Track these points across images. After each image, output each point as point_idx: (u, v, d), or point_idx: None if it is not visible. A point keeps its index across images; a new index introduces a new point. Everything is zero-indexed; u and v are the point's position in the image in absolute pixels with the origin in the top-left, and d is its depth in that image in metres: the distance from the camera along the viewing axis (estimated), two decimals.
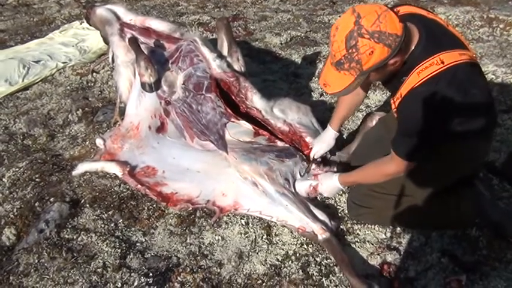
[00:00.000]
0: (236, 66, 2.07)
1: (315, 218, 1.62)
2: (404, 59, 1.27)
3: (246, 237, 1.66)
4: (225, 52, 2.12)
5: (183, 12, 4.27)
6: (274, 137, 1.95)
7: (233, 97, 2.02)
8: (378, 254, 1.56)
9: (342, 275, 1.48)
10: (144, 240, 1.67)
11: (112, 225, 1.72)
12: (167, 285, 1.48)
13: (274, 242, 1.64)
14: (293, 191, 1.73)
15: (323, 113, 2.31)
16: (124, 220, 1.74)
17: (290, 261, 1.55)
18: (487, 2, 3.97)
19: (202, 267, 1.54)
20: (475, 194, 1.59)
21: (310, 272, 1.50)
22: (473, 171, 1.63)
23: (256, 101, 1.98)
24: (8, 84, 2.79)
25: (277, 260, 1.56)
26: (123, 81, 2.14)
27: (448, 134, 1.30)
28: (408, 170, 1.40)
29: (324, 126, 1.91)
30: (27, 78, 2.87)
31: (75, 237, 1.65)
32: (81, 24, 3.60)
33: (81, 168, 1.97)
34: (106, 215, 1.76)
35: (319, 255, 1.57)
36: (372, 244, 1.61)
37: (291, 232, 1.66)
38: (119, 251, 1.59)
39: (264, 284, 1.47)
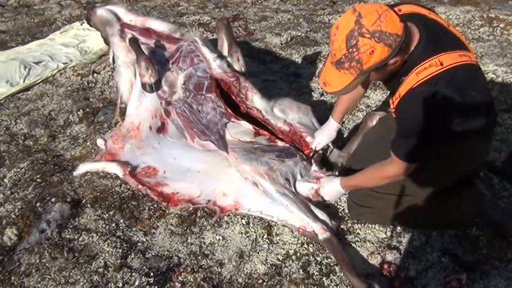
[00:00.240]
0: (236, 67, 2.08)
1: (316, 217, 1.62)
2: (405, 59, 1.27)
3: (247, 236, 1.66)
4: (225, 52, 2.12)
5: (184, 13, 4.27)
6: (274, 137, 1.95)
7: (233, 97, 2.02)
8: (379, 254, 1.56)
9: (342, 274, 1.49)
10: (145, 240, 1.67)
11: (113, 225, 1.72)
12: (168, 285, 1.48)
13: (275, 241, 1.64)
14: (293, 190, 1.73)
15: (323, 113, 2.31)
16: (125, 220, 1.75)
17: (291, 261, 1.55)
18: (487, 2, 3.97)
19: (203, 266, 1.55)
20: (475, 193, 1.59)
21: (310, 272, 1.51)
22: (473, 171, 1.63)
23: (256, 101, 1.98)
24: (9, 85, 2.80)
25: (278, 259, 1.56)
26: (124, 81, 2.14)
27: (448, 134, 1.30)
28: (409, 172, 1.40)
29: None
30: (28, 79, 2.88)
31: (76, 237, 1.66)
32: (81, 25, 3.60)
33: (82, 168, 1.98)
34: (107, 215, 1.77)
35: (320, 254, 1.57)
36: (373, 243, 1.61)
37: (292, 232, 1.66)
38: (120, 251, 1.60)
39: (264, 283, 1.48)
